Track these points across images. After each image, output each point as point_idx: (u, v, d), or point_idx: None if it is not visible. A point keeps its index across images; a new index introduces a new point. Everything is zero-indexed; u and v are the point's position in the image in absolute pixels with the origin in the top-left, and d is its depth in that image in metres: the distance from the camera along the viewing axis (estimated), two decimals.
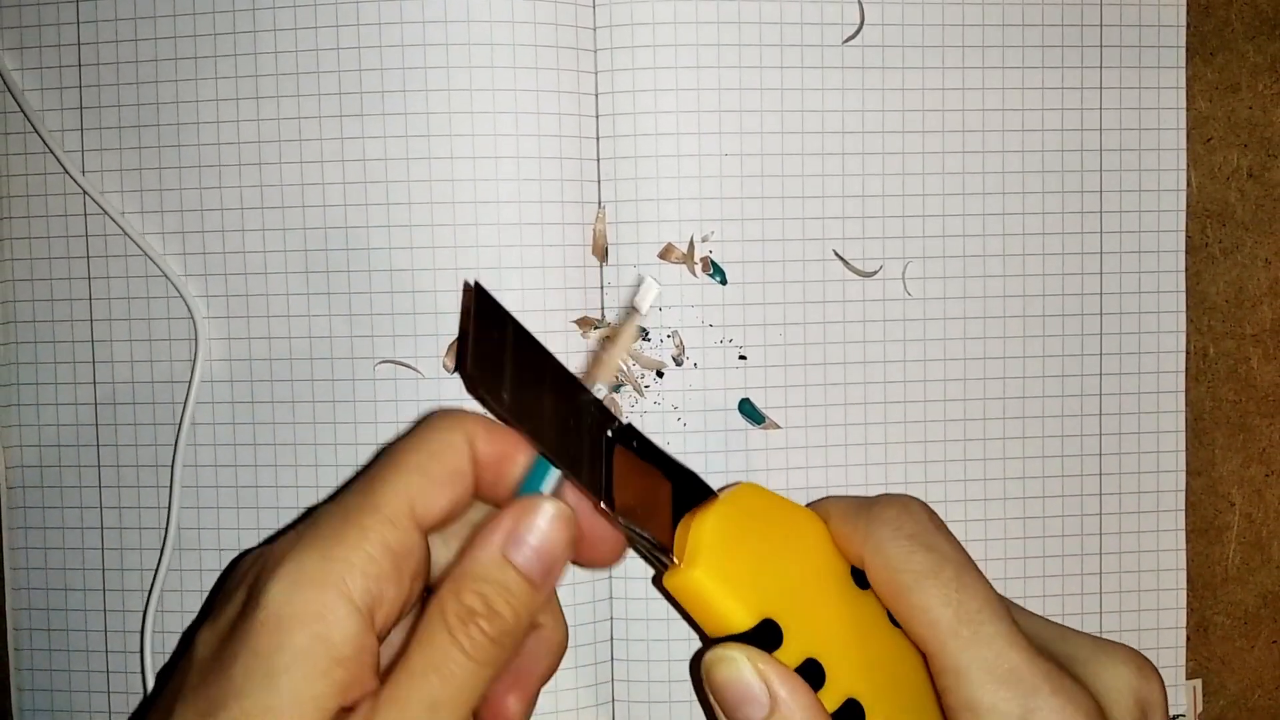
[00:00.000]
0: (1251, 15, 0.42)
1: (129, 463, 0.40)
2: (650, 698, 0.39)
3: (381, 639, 0.28)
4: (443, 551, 0.31)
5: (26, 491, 0.40)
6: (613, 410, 0.32)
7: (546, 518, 0.29)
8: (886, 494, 0.33)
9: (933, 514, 0.32)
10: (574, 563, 0.31)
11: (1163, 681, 0.31)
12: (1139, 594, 0.41)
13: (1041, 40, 0.40)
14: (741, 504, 0.31)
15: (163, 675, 0.39)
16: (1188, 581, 0.42)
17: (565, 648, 0.33)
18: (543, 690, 0.38)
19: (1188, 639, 0.42)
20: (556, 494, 0.30)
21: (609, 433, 0.31)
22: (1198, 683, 0.42)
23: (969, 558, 0.31)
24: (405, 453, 0.30)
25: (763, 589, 0.30)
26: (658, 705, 0.39)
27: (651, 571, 0.39)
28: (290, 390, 0.39)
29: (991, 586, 0.30)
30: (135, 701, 0.40)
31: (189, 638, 0.32)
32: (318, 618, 0.27)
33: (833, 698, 0.30)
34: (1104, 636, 0.33)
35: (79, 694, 0.40)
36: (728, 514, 0.31)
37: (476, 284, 0.31)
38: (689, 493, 0.31)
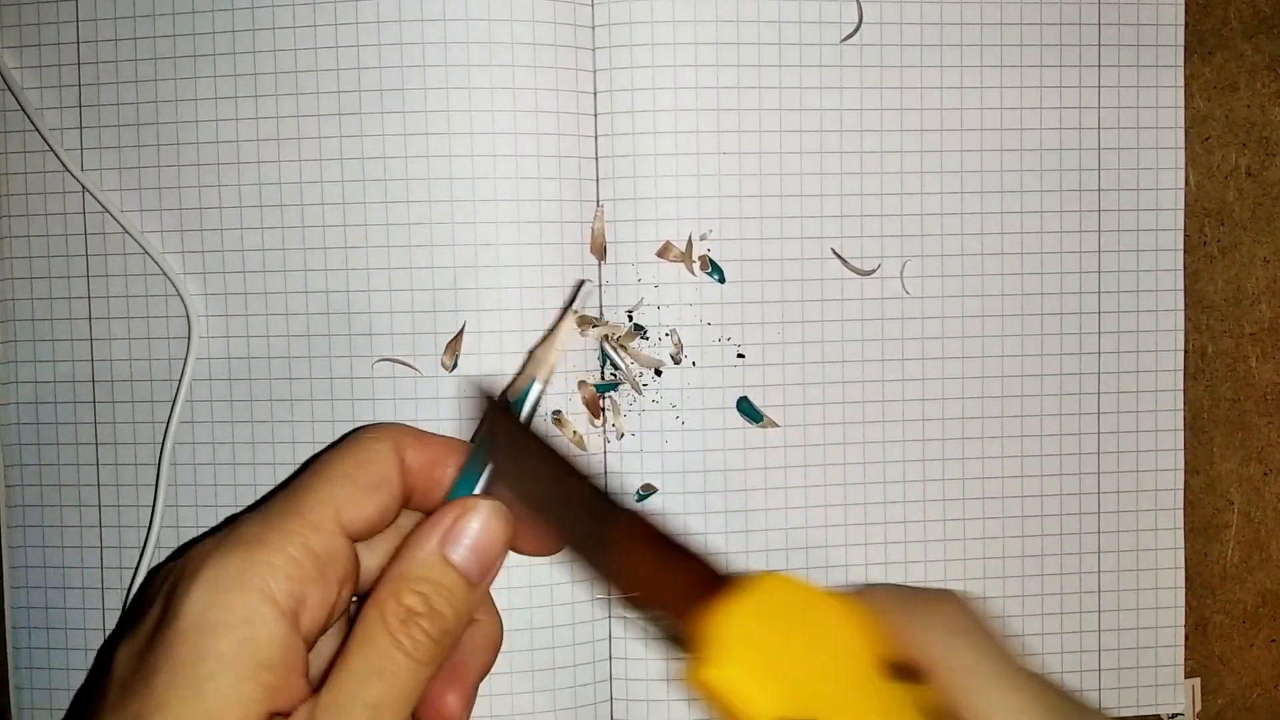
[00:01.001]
0: (1250, 14, 0.42)
1: (127, 461, 0.40)
2: (649, 696, 0.39)
3: (309, 645, 0.28)
4: (370, 560, 0.31)
5: (25, 490, 0.40)
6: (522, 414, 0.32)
7: (482, 516, 0.29)
8: (929, 588, 0.32)
9: (975, 607, 0.31)
10: (514, 550, 0.31)
11: None
12: (1138, 592, 0.41)
13: (1039, 39, 0.40)
14: (765, 594, 0.30)
15: (81, 696, 0.39)
16: (1186, 580, 0.42)
17: (501, 642, 0.33)
18: (542, 689, 0.39)
19: (1186, 638, 0.42)
20: (488, 492, 0.30)
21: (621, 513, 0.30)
22: (1196, 681, 0.42)
23: (1011, 653, 0.30)
24: (331, 462, 0.30)
25: (786, 686, 0.29)
26: (656, 705, 0.39)
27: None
28: (288, 388, 0.39)
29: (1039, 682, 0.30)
30: None
31: (107, 654, 0.31)
32: (243, 622, 0.26)
33: None
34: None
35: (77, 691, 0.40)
36: (751, 605, 0.30)
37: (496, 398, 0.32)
38: (708, 579, 0.30)
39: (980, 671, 0.30)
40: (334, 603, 0.28)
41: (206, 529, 0.39)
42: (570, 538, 0.30)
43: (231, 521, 0.30)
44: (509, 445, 0.31)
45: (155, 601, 0.28)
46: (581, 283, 0.35)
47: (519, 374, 0.33)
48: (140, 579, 0.39)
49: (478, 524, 0.29)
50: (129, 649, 0.27)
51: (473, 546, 0.29)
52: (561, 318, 0.34)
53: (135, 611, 0.29)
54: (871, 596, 0.32)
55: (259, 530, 0.28)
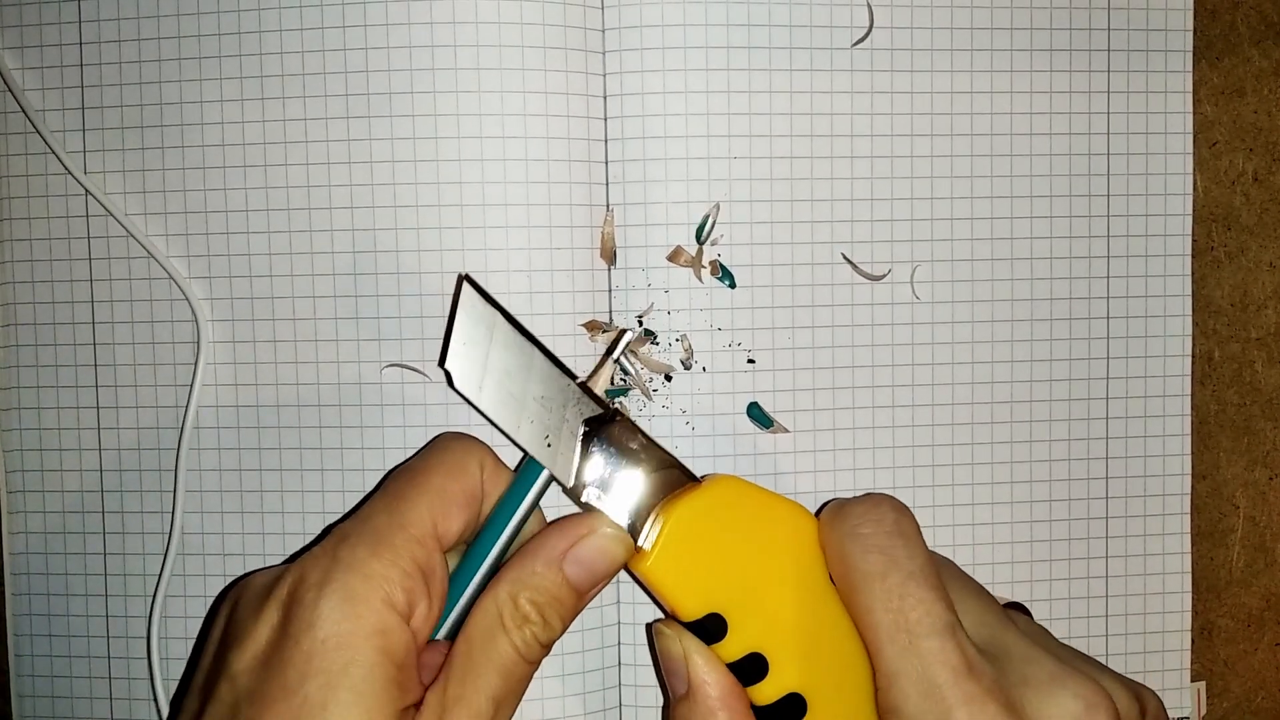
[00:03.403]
0: (1257, 20, 0.42)
1: (130, 466, 0.39)
2: (658, 702, 0.39)
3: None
4: None
5: (27, 496, 0.40)
6: (602, 398, 0.33)
7: (605, 539, 0.31)
8: (868, 494, 0.33)
9: (901, 517, 0.32)
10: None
11: None
12: (1144, 597, 0.41)
13: (1049, 44, 0.40)
14: (718, 495, 0.33)
15: (175, 701, 0.39)
16: (1192, 584, 0.42)
17: None
18: (551, 696, 0.38)
19: (1192, 641, 0.42)
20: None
21: (584, 421, 0.32)
22: (1202, 685, 0.42)
23: (928, 565, 0.31)
24: (425, 473, 0.31)
25: (715, 583, 0.32)
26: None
27: None
28: (296, 393, 0.39)
29: (942, 599, 0.30)
30: (136, 707, 0.40)
31: (195, 662, 0.32)
32: (380, 633, 0.28)
33: (773, 690, 0.32)
34: (1095, 659, 0.33)
35: (80, 699, 0.40)
36: (699, 505, 0.32)
37: (465, 276, 0.33)
38: (672, 479, 0.32)
39: (870, 574, 0.31)
40: (435, 618, 0.30)
41: (210, 533, 0.39)
42: (534, 439, 0.32)
43: (329, 531, 0.31)
44: (491, 333, 0.33)
45: (265, 612, 0.29)
46: (623, 331, 0.36)
47: None
48: (165, 585, 0.39)
49: (598, 547, 0.31)
50: (248, 659, 0.29)
51: (590, 566, 0.31)
52: (602, 364, 0.35)
53: (234, 623, 0.30)
54: (825, 508, 0.33)
55: (371, 544, 0.29)
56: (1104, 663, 0.41)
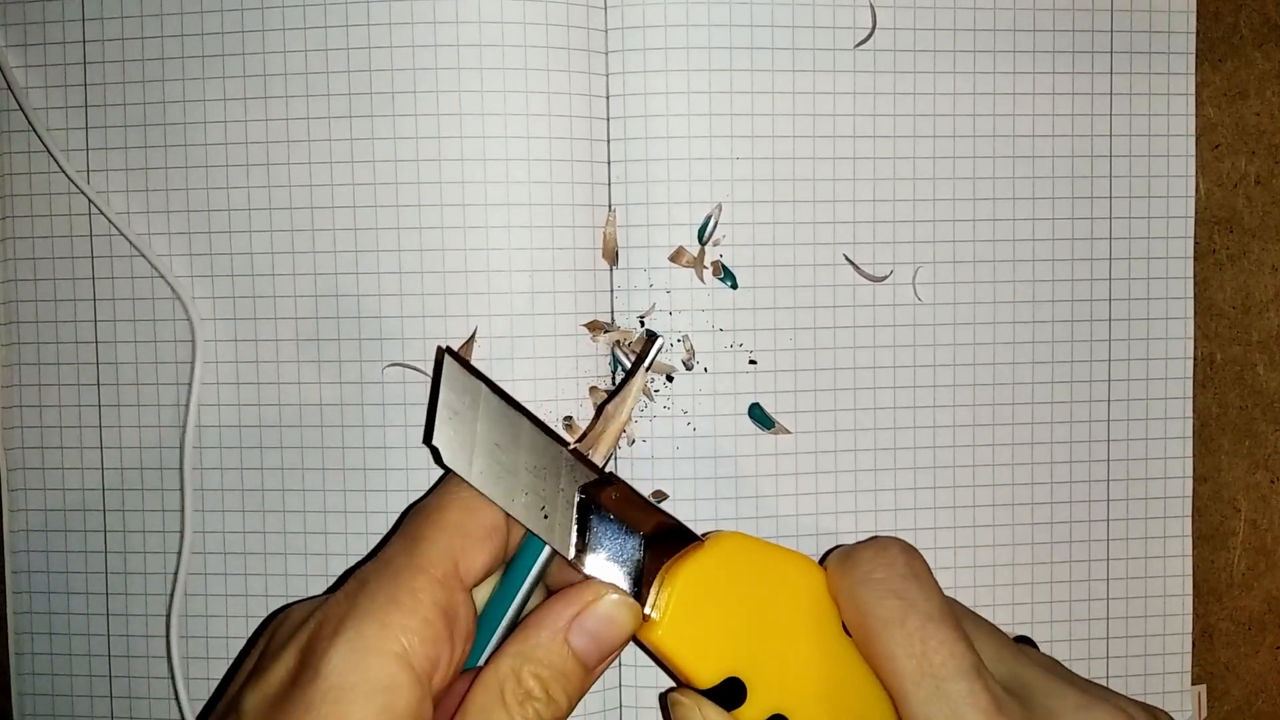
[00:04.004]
0: (1260, 22, 0.42)
1: (131, 465, 0.39)
2: (658, 703, 0.39)
3: (436, 704, 0.29)
4: None
5: (27, 495, 0.40)
6: (593, 461, 0.32)
7: (611, 607, 0.30)
8: (874, 538, 0.33)
9: (912, 559, 0.31)
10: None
11: None
12: (1145, 600, 0.41)
13: (1051, 46, 0.40)
14: (723, 554, 0.31)
15: (202, 716, 0.39)
16: (1193, 587, 0.42)
17: None
18: None
19: (1193, 644, 0.42)
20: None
21: (580, 489, 0.31)
22: (1202, 688, 0.42)
23: (945, 606, 0.30)
24: (441, 510, 0.30)
25: (730, 646, 0.31)
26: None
27: None
28: (297, 393, 0.39)
29: (963, 638, 0.30)
30: (136, 706, 0.40)
31: (224, 688, 0.32)
32: (384, 689, 0.27)
33: None
34: (1105, 686, 0.33)
35: (80, 699, 0.40)
36: (706, 566, 0.31)
37: (446, 349, 0.32)
38: (672, 541, 0.31)
39: (888, 620, 0.30)
40: (461, 659, 0.29)
41: (218, 534, 0.39)
42: (530, 512, 0.31)
43: (349, 574, 0.30)
44: (479, 408, 0.31)
45: (285, 652, 0.28)
46: (654, 337, 0.34)
47: (590, 429, 0.34)
48: (183, 584, 0.39)
49: (605, 614, 0.30)
50: (258, 697, 0.28)
51: (597, 636, 0.30)
52: (632, 374, 0.33)
53: (259, 656, 0.30)
54: (830, 556, 0.33)
55: (391, 590, 0.28)
56: (1104, 664, 0.41)
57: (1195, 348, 0.42)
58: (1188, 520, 0.42)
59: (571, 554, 0.31)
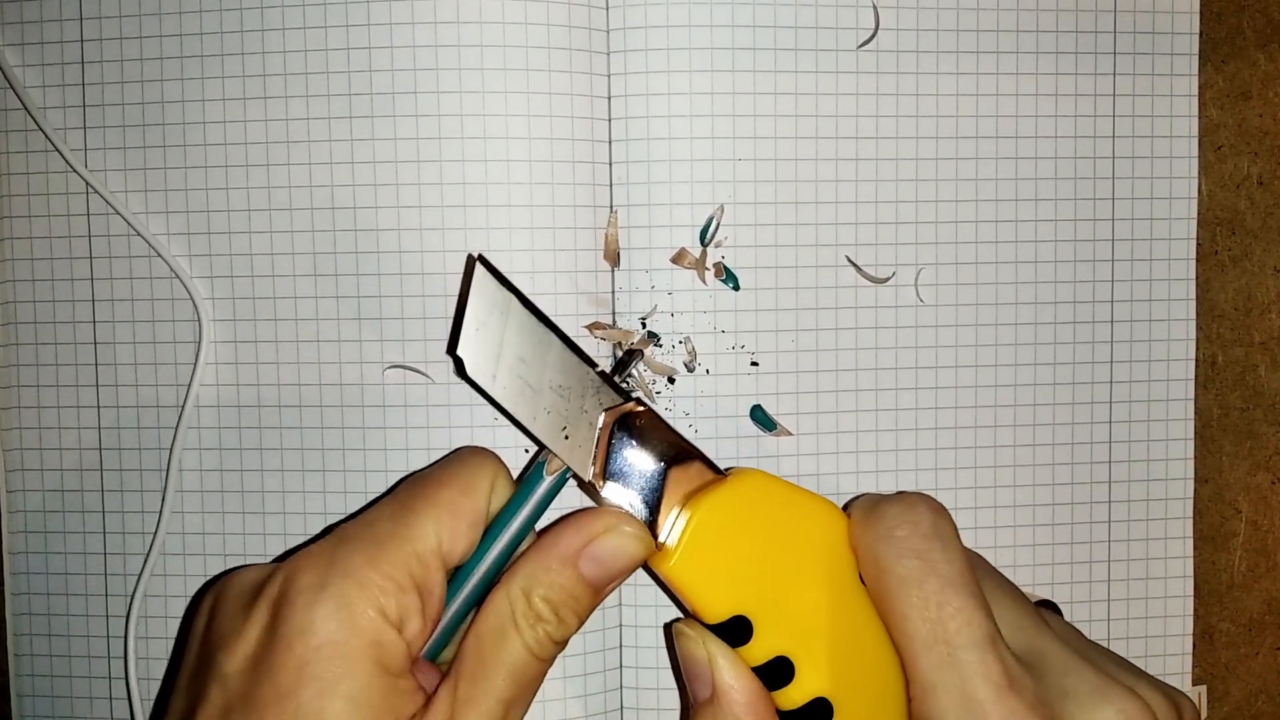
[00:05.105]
0: (1263, 23, 0.42)
1: (131, 465, 0.39)
2: (659, 704, 0.39)
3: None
4: None
5: (27, 495, 0.40)
6: (621, 387, 0.32)
7: (622, 536, 0.30)
8: (902, 492, 0.32)
9: (939, 518, 0.31)
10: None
11: None
12: (1146, 601, 0.41)
13: (1054, 47, 0.40)
14: (744, 491, 0.31)
15: (160, 700, 0.39)
16: (1194, 588, 0.42)
17: None
18: (551, 699, 0.38)
19: (1193, 645, 0.42)
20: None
21: (604, 410, 0.31)
22: (1202, 689, 0.42)
23: (966, 570, 0.30)
24: (438, 485, 0.30)
25: (741, 584, 0.30)
26: (666, 714, 0.39)
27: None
28: (297, 394, 0.38)
29: (982, 607, 0.29)
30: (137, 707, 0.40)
31: (178, 660, 0.32)
32: (375, 644, 0.27)
33: (799, 695, 0.30)
34: (1125, 659, 0.32)
35: (79, 699, 0.40)
36: (725, 501, 0.31)
37: (479, 257, 0.31)
38: (695, 472, 0.31)
39: (906, 579, 0.30)
40: (427, 634, 0.29)
41: (217, 534, 0.39)
42: (552, 431, 0.31)
43: (331, 529, 0.30)
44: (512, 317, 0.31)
45: (254, 611, 0.29)
46: (631, 353, 0.35)
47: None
48: (144, 585, 0.39)
49: (616, 545, 0.30)
50: (239, 658, 0.28)
51: (607, 564, 0.30)
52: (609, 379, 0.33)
53: (220, 619, 0.30)
54: (854, 504, 0.32)
55: (370, 552, 0.29)
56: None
57: (1197, 349, 0.41)
58: (1189, 521, 0.42)
59: (589, 475, 0.30)
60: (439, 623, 0.30)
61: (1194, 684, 0.42)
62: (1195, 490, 0.42)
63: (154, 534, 0.39)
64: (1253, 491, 0.42)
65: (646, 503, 0.31)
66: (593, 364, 0.31)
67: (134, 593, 0.39)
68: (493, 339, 0.30)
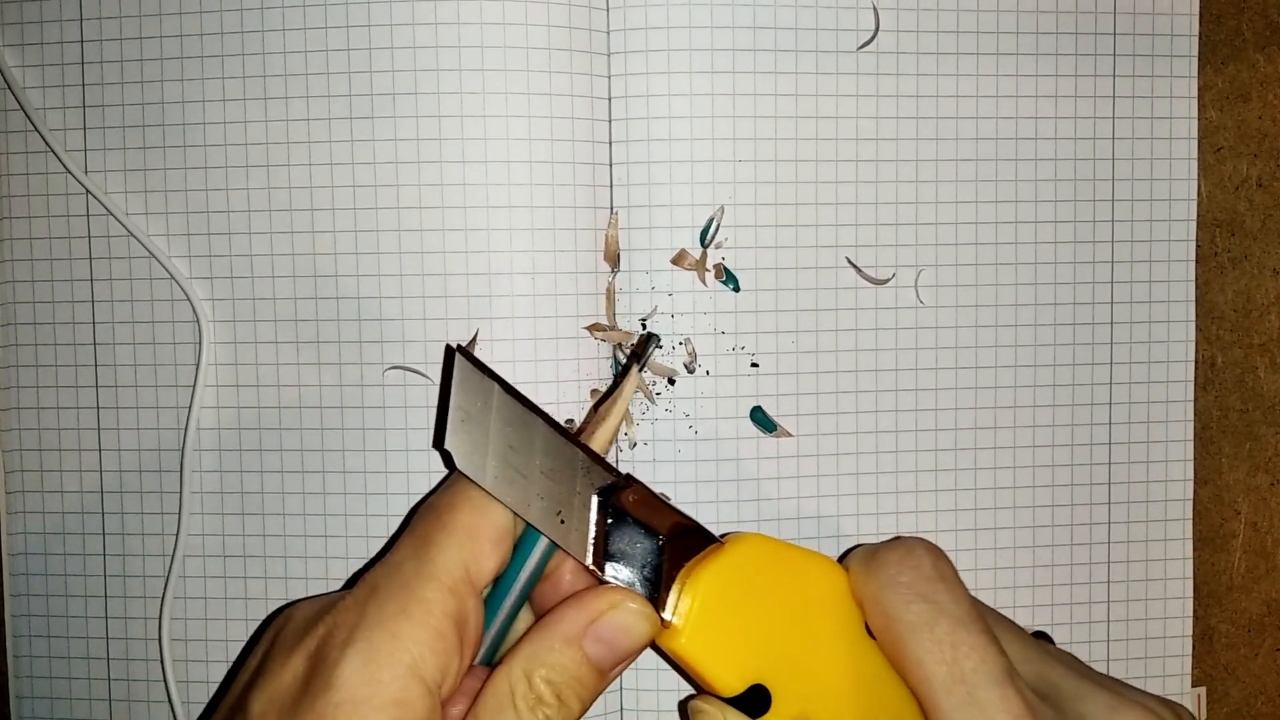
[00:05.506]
0: (1263, 25, 0.42)
1: (130, 467, 0.39)
2: (659, 706, 0.39)
3: (443, 704, 0.28)
4: None
5: (26, 496, 0.40)
6: (609, 462, 0.31)
7: (627, 614, 0.29)
8: (897, 538, 0.32)
9: (938, 560, 0.31)
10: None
11: None
12: (1146, 602, 0.41)
13: (1054, 49, 0.40)
14: (744, 557, 0.31)
15: (204, 717, 0.39)
16: (1193, 590, 0.42)
17: None
18: None
19: (1193, 647, 0.42)
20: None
21: (596, 492, 0.30)
22: (1202, 690, 0.42)
23: (974, 609, 0.30)
24: (452, 511, 0.30)
25: (754, 652, 0.30)
26: (666, 714, 0.39)
27: None
28: (298, 395, 0.38)
29: (994, 643, 0.29)
30: (135, 708, 0.40)
31: (226, 687, 0.32)
32: (395, 703, 0.27)
33: None
34: (1128, 684, 0.32)
35: (79, 700, 0.40)
36: (726, 569, 0.30)
37: (457, 348, 0.30)
38: (691, 544, 0.31)
39: (917, 625, 0.29)
40: (469, 662, 0.29)
41: (216, 535, 0.39)
42: (546, 516, 0.30)
43: (358, 575, 0.30)
44: (491, 404, 0.30)
45: (294, 656, 0.28)
46: (649, 337, 0.34)
47: (585, 427, 0.33)
48: (173, 588, 0.39)
49: (621, 623, 0.29)
50: (265, 702, 0.28)
51: (613, 644, 0.29)
52: (626, 373, 0.33)
53: (265, 659, 0.29)
54: (851, 556, 0.32)
55: (401, 599, 0.28)
56: (1105, 666, 0.41)
57: (1196, 350, 0.42)
58: (1188, 523, 0.42)
59: (589, 559, 0.30)
60: (479, 646, 0.30)
61: (1194, 685, 0.42)
62: (1195, 492, 0.42)
63: (175, 535, 0.39)
64: (1252, 493, 0.43)
65: (648, 579, 0.30)
66: (579, 444, 0.31)
67: (163, 596, 0.39)
68: (479, 430, 0.30)
